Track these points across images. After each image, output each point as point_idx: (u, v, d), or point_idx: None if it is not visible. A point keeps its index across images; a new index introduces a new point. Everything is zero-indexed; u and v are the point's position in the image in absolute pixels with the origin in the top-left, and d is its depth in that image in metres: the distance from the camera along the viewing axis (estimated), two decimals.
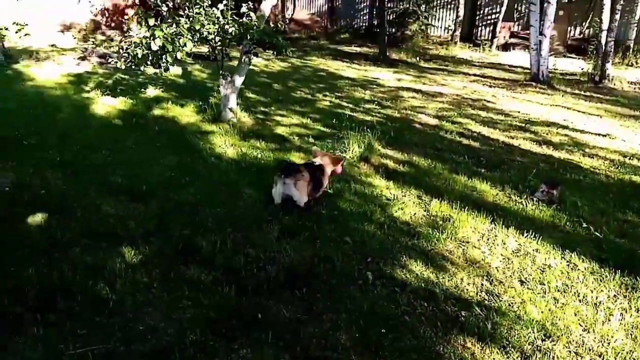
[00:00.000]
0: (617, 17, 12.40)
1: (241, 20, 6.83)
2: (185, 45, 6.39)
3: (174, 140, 6.66)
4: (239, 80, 7.73)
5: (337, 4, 25.02)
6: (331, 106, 9.31)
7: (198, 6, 6.94)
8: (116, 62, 7.04)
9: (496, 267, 3.78)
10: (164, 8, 6.88)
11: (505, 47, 19.19)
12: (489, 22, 20.89)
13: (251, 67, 13.94)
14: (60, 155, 5.75)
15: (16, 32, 18.43)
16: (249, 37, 6.73)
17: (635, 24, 15.02)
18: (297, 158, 6.10)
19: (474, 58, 17.41)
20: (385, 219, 4.51)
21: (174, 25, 6.41)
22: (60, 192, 4.72)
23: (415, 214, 4.67)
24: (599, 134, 7.94)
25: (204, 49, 7.88)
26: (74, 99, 8.75)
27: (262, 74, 12.66)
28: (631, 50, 15.92)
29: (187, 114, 8.02)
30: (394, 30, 20.32)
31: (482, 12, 21.26)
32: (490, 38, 19.99)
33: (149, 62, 6.53)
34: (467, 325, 3.10)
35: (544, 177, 5.56)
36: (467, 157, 6.45)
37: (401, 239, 4.14)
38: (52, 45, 16.73)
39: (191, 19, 6.65)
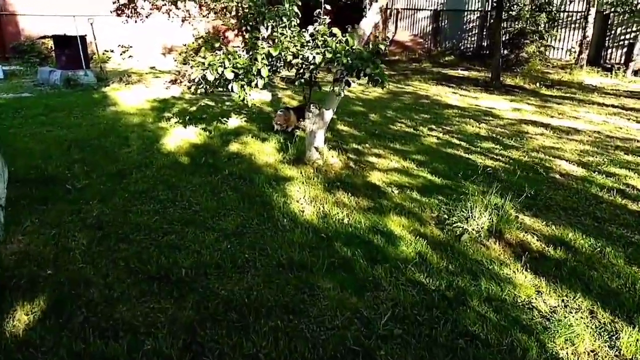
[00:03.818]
0: None
1: (328, 41, 5.41)
2: (259, 72, 5.16)
3: (242, 188, 5.33)
4: (328, 114, 6.30)
5: (443, 24, 23.11)
6: (439, 144, 7.58)
7: (283, 26, 5.74)
8: (200, 86, 5.97)
9: None
10: (263, 31, 5.82)
11: None
12: (621, 43, 17.88)
13: (346, 93, 12.75)
14: (100, 210, 4.61)
15: (121, 54, 19.05)
16: (337, 63, 5.29)
17: None
18: (397, 225, 4.48)
19: (605, 85, 14.69)
20: None
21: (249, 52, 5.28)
22: (71, 275, 3.44)
23: (595, 354, 2.83)
24: None
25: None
26: (147, 129, 7.84)
27: (357, 102, 11.21)
28: None
29: (266, 152, 6.73)
30: (507, 52, 18.12)
31: (613, 31, 18.26)
32: (624, 62, 17.03)
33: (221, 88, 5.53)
34: None
35: None
36: None
37: None
38: (152, 67, 16.70)
39: (274, 41, 5.49)
